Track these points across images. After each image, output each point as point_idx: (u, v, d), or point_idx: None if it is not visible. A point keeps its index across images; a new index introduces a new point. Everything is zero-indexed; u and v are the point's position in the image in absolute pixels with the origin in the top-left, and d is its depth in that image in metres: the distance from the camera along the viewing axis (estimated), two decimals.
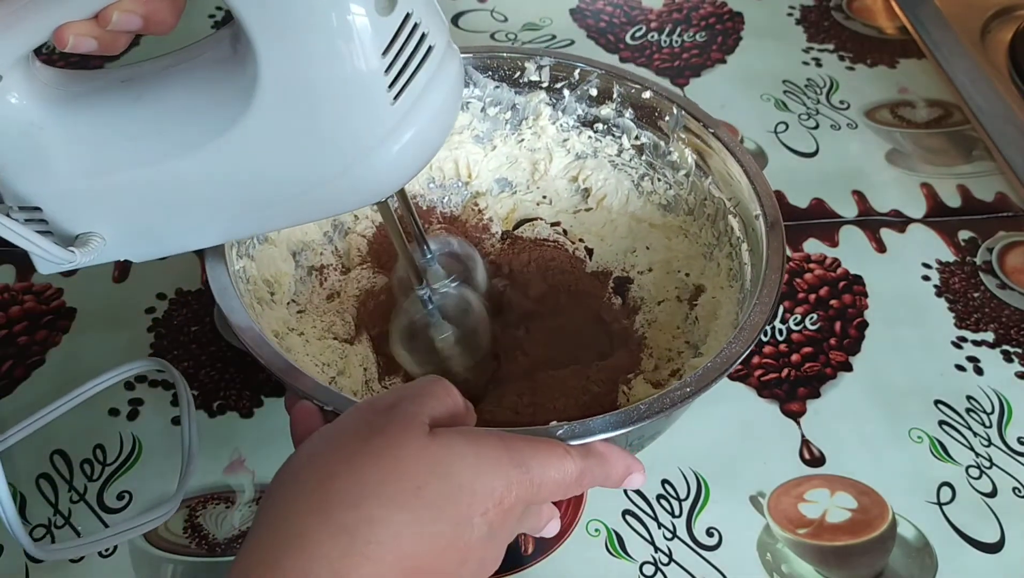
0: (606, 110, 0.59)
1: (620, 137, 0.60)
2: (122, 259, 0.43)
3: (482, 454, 0.37)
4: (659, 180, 0.59)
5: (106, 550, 0.51)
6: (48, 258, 0.40)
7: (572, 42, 0.85)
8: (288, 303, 0.54)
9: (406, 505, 0.34)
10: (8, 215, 0.41)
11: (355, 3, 0.36)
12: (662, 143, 0.58)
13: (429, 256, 0.51)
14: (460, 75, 0.42)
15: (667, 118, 0.57)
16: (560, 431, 0.41)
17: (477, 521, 0.36)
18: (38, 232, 0.39)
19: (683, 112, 0.56)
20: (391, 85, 0.38)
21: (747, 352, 0.45)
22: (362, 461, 0.35)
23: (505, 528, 0.38)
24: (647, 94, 0.58)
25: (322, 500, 0.34)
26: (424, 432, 0.36)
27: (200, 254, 0.51)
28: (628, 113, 0.59)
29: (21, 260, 0.64)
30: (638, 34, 0.86)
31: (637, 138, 0.59)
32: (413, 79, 0.39)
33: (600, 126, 0.60)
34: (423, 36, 0.39)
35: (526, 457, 0.38)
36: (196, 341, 0.60)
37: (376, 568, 0.33)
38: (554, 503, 0.43)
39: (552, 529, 0.44)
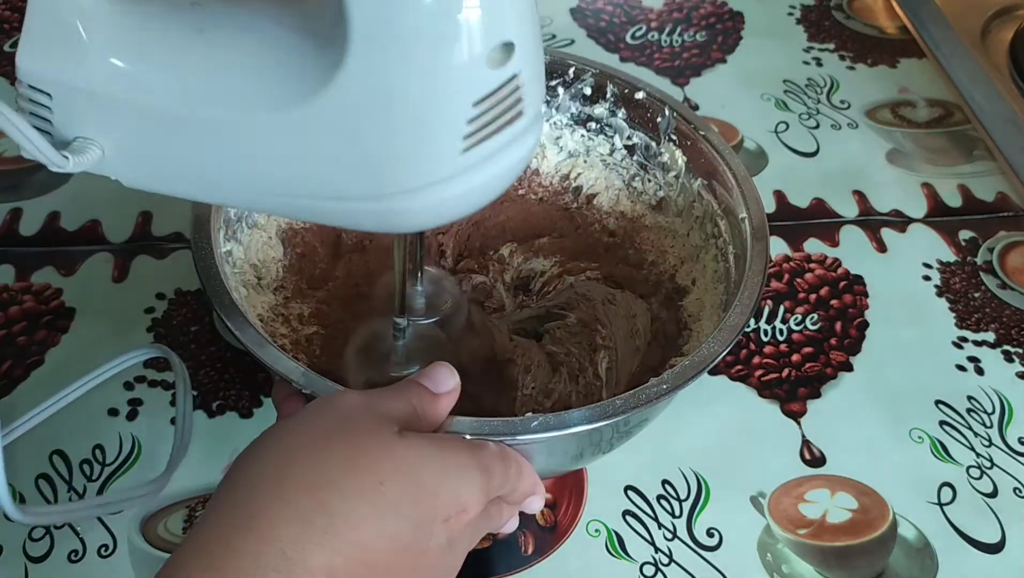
0: (599, 109, 0.59)
1: (612, 137, 0.60)
2: (113, 177, 0.40)
3: (449, 461, 0.36)
4: (649, 181, 0.60)
5: (106, 550, 0.51)
6: (39, 158, 0.37)
7: (572, 41, 0.85)
8: (276, 289, 0.54)
9: (367, 499, 0.34)
10: (16, 100, 0.38)
11: (468, 45, 0.34)
12: (653, 144, 0.58)
13: (420, 288, 0.50)
14: (533, 150, 0.39)
15: (659, 119, 0.57)
16: (535, 422, 0.40)
17: (438, 528, 0.35)
18: (36, 127, 0.37)
19: (675, 114, 0.57)
20: (468, 136, 0.36)
21: (725, 352, 0.45)
22: (325, 449, 0.35)
23: (464, 538, 0.38)
24: (640, 94, 0.58)
25: (280, 484, 0.34)
26: (392, 431, 0.36)
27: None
28: (621, 113, 0.59)
29: (21, 260, 0.64)
30: (638, 34, 0.86)
31: (629, 138, 0.59)
32: (490, 138, 0.36)
33: (593, 125, 0.60)
34: (518, 100, 0.36)
35: (487, 463, 0.38)
36: (195, 341, 0.60)
37: (328, 557, 0.32)
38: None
39: (512, 525, 0.44)
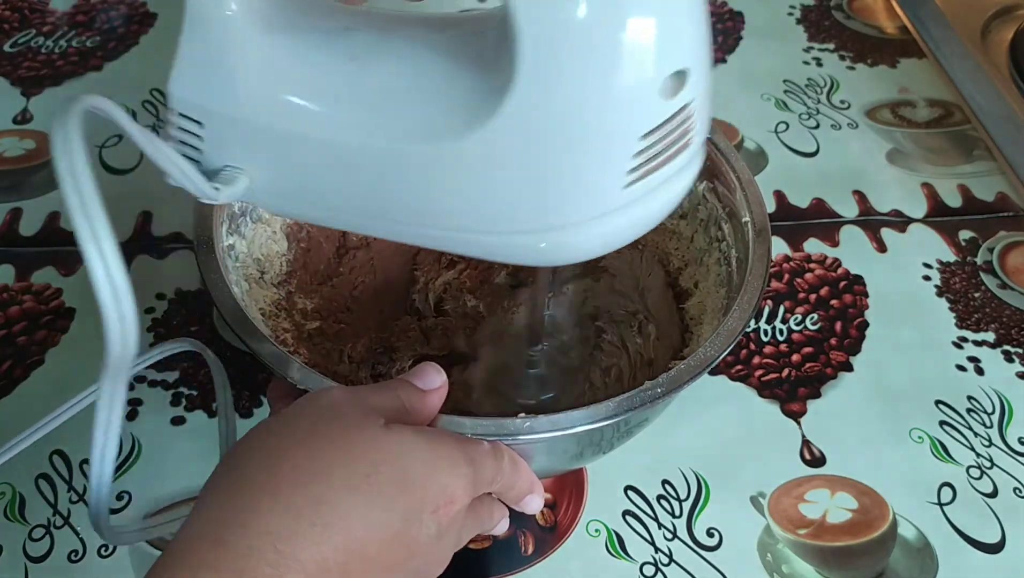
0: None
1: None
2: (258, 206, 0.39)
3: (436, 451, 0.37)
4: None
5: (106, 550, 0.51)
6: (190, 188, 0.36)
7: None
8: (279, 283, 0.54)
9: (356, 490, 0.34)
10: (166, 129, 0.38)
11: (643, 74, 0.31)
12: None
13: (548, 312, 0.49)
14: (693, 180, 0.37)
15: None
16: (527, 423, 0.41)
17: (427, 518, 0.36)
18: (184, 156, 0.36)
19: None
20: (633, 170, 0.34)
21: (722, 356, 0.45)
22: (313, 442, 0.35)
23: (453, 529, 0.38)
24: None
25: (271, 478, 0.34)
26: (379, 424, 0.36)
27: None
28: None
29: (21, 260, 0.64)
30: None
31: None
32: (656, 172, 0.34)
33: None
34: (687, 131, 0.34)
35: (475, 456, 0.38)
36: None
37: (319, 550, 0.33)
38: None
39: (503, 527, 0.44)
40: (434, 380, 0.40)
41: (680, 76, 0.32)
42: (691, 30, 0.32)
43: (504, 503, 0.44)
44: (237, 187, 0.37)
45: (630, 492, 0.54)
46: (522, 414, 0.41)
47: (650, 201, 0.35)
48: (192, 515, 0.34)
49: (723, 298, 0.52)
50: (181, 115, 0.37)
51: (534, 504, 0.43)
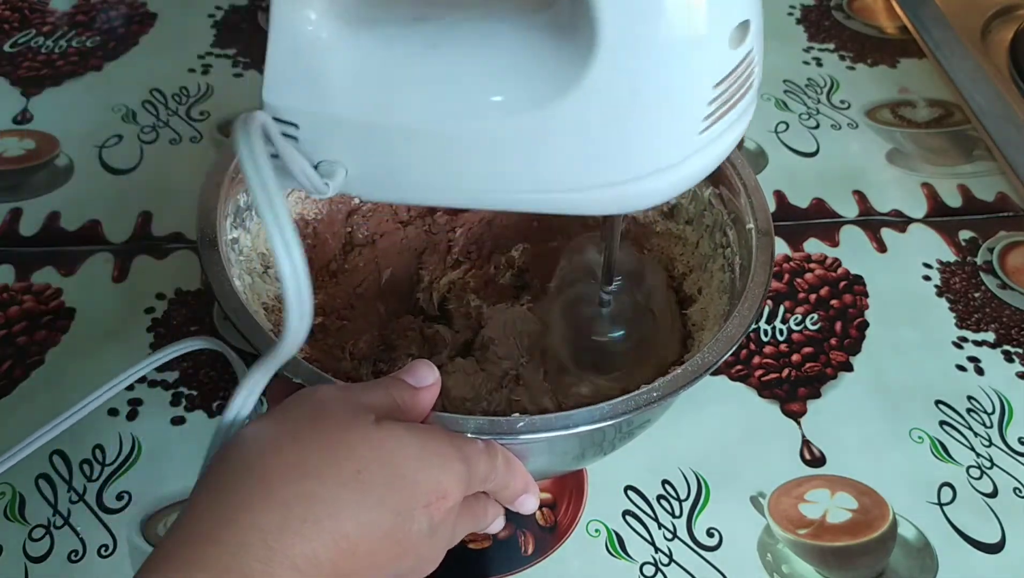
0: None
1: None
2: (352, 195, 0.41)
3: (428, 447, 0.37)
4: None
5: (106, 550, 0.51)
6: (306, 186, 0.39)
7: None
8: None
9: (347, 487, 0.34)
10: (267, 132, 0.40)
11: (713, 28, 0.34)
12: None
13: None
14: (749, 122, 0.40)
15: None
16: (521, 423, 0.41)
17: (419, 514, 0.36)
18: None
19: None
20: (708, 116, 0.36)
21: (720, 361, 0.45)
22: (305, 439, 0.35)
23: (446, 525, 0.38)
24: None
25: (262, 474, 0.34)
26: (370, 420, 0.36)
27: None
28: None
29: (21, 260, 0.64)
30: None
31: None
32: (726, 115, 0.37)
33: None
34: (751, 75, 0.37)
35: (468, 453, 0.38)
36: None
37: (310, 546, 0.33)
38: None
39: (498, 525, 0.44)
40: (426, 377, 0.40)
41: (744, 27, 0.35)
42: None
43: (500, 503, 0.44)
44: (338, 179, 0.40)
45: (630, 492, 0.54)
46: (516, 414, 0.41)
47: (719, 143, 0.38)
48: (183, 512, 0.34)
49: (725, 305, 0.52)
50: (276, 119, 0.39)
51: (529, 504, 0.43)
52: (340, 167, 0.40)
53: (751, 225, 0.51)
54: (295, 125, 0.39)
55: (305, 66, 0.38)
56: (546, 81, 0.36)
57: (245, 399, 0.38)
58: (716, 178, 0.55)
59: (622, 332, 0.51)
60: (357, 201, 0.59)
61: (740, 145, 0.75)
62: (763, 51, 0.38)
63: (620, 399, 0.42)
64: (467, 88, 0.37)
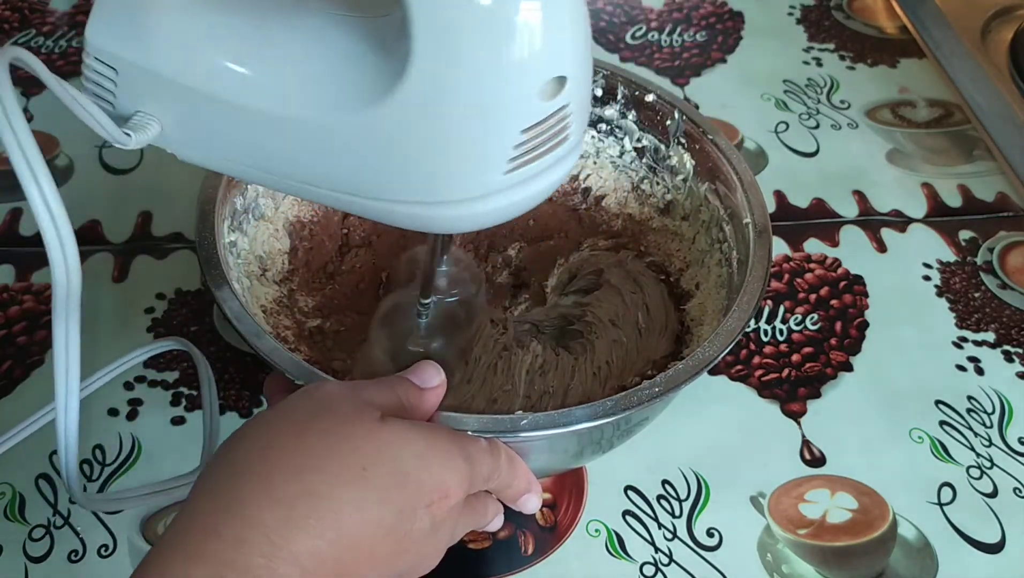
0: (610, 111, 0.59)
1: (622, 139, 0.60)
2: (169, 151, 0.42)
3: (431, 445, 0.37)
4: (658, 184, 0.59)
5: (106, 550, 0.51)
6: (102, 134, 0.39)
7: None
8: (281, 281, 0.54)
9: (350, 483, 0.34)
10: (83, 71, 0.40)
11: (523, 77, 0.35)
12: (663, 147, 0.58)
13: (444, 268, 0.51)
14: (569, 171, 0.41)
15: (668, 122, 0.57)
16: (524, 421, 0.41)
17: (421, 512, 0.36)
18: (99, 96, 0.39)
19: (684, 117, 0.56)
20: (513, 159, 0.37)
21: (721, 356, 0.45)
22: (308, 435, 0.35)
23: (447, 524, 0.38)
24: (650, 97, 0.58)
25: (265, 469, 0.34)
26: (374, 417, 0.36)
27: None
28: (631, 115, 0.59)
29: (21, 260, 0.64)
30: (638, 33, 0.86)
31: (639, 140, 0.59)
32: (534, 161, 0.38)
33: (603, 126, 0.60)
34: (564, 128, 0.38)
35: (471, 451, 0.38)
36: (195, 341, 0.60)
37: (313, 543, 0.33)
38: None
39: (497, 523, 0.44)
40: (432, 378, 0.40)
41: (559, 81, 0.36)
42: (571, 41, 0.36)
43: (501, 501, 0.44)
44: (147, 133, 0.40)
45: (630, 492, 0.54)
46: (519, 412, 0.41)
47: (528, 186, 0.39)
48: (185, 505, 0.34)
49: (723, 299, 0.52)
50: (97, 60, 0.39)
51: (531, 503, 0.43)
52: (155, 123, 0.40)
53: (748, 220, 0.51)
54: (114, 70, 0.39)
55: (135, 15, 0.38)
56: (360, 88, 0.37)
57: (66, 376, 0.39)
58: (712, 174, 0.55)
59: (439, 342, 0.51)
60: None
61: (739, 144, 0.75)
62: (587, 107, 0.39)
63: (622, 394, 0.42)
64: (287, 77, 0.38)
